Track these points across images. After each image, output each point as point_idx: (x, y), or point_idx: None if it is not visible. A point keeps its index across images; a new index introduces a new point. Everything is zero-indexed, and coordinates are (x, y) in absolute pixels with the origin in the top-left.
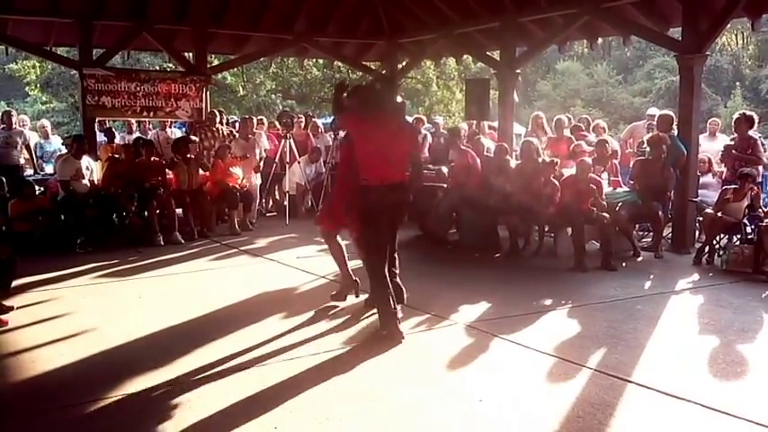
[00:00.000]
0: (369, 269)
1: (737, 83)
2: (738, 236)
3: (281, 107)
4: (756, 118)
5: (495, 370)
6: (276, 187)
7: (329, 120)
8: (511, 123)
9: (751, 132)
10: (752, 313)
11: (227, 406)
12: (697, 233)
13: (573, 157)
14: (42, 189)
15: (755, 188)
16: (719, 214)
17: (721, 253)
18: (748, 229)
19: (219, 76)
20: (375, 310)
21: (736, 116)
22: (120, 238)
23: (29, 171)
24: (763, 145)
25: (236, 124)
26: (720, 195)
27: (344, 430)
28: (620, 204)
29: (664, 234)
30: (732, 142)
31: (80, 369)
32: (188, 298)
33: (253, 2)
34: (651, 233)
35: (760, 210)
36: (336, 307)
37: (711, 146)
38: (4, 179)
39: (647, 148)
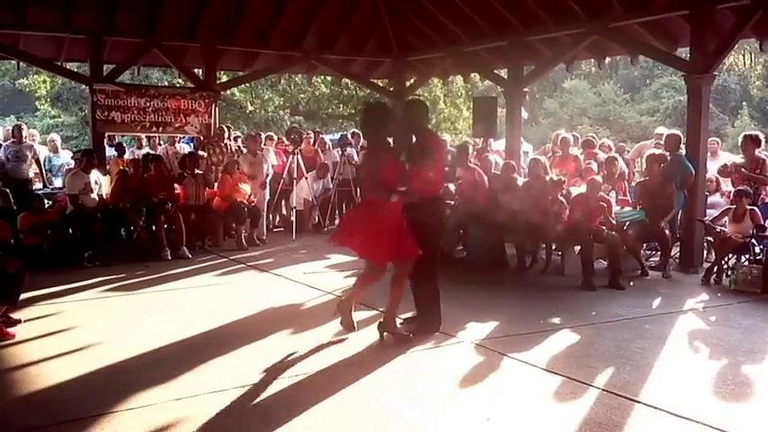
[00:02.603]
0: (431, 282)
1: (745, 103)
2: (747, 256)
3: (288, 123)
4: (762, 137)
5: (503, 389)
6: (283, 203)
7: (337, 136)
8: (518, 141)
9: (759, 153)
10: (761, 334)
11: (233, 422)
12: (705, 253)
13: (583, 175)
14: (51, 203)
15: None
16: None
17: (729, 273)
18: (757, 250)
19: (228, 92)
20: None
21: (741, 137)
22: (128, 253)
23: (38, 185)
24: None
25: (240, 140)
26: (720, 215)
27: None
28: (627, 223)
29: (672, 253)
30: (740, 161)
31: (86, 383)
32: (194, 313)
33: (262, 19)
34: (659, 252)
35: None
36: (342, 323)
37: (712, 165)
38: (8, 191)
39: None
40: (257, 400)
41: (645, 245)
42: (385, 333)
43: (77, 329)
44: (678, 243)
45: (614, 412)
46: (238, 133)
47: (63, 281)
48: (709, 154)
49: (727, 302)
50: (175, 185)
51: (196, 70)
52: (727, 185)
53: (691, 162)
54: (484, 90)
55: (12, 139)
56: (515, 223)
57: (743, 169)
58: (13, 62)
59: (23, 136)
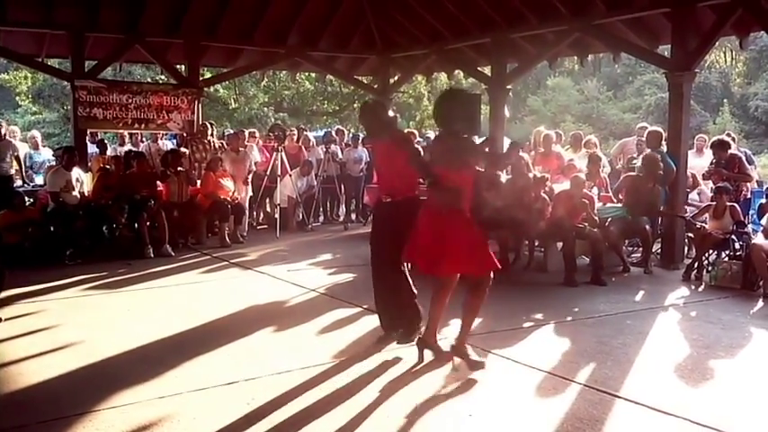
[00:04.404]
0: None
1: (726, 100)
2: (727, 252)
3: (273, 120)
4: (729, 139)
5: (485, 385)
6: (267, 200)
7: (321, 133)
8: (501, 139)
9: (734, 151)
10: (740, 329)
11: (215, 421)
12: (686, 249)
13: (565, 172)
14: (32, 200)
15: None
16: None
17: (710, 269)
18: (737, 246)
19: (212, 88)
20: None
21: (710, 147)
22: (110, 251)
23: (18, 182)
24: (749, 161)
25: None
26: (701, 212)
27: None
28: (609, 220)
29: (653, 250)
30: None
31: (67, 382)
32: (177, 311)
33: (246, 16)
34: (640, 248)
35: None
36: (326, 321)
37: (698, 162)
38: None
39: (637, 164)
40: (240, 397)
41: (626, 241)
42: (455, 358)
43: (59, 328)
44: (659, 239)
45: (595, 407)
46: (230, 130)
47: (44, 279)
48: (695, 151)
49: (707, 298)
50: (158, 183)
51: (179, 66)
52: (707, 185)
53: (672, 159)
54: (468, 87)
55: None
56: (498, 220)
57: (723, 170)
58: None
59: (3, 133)
